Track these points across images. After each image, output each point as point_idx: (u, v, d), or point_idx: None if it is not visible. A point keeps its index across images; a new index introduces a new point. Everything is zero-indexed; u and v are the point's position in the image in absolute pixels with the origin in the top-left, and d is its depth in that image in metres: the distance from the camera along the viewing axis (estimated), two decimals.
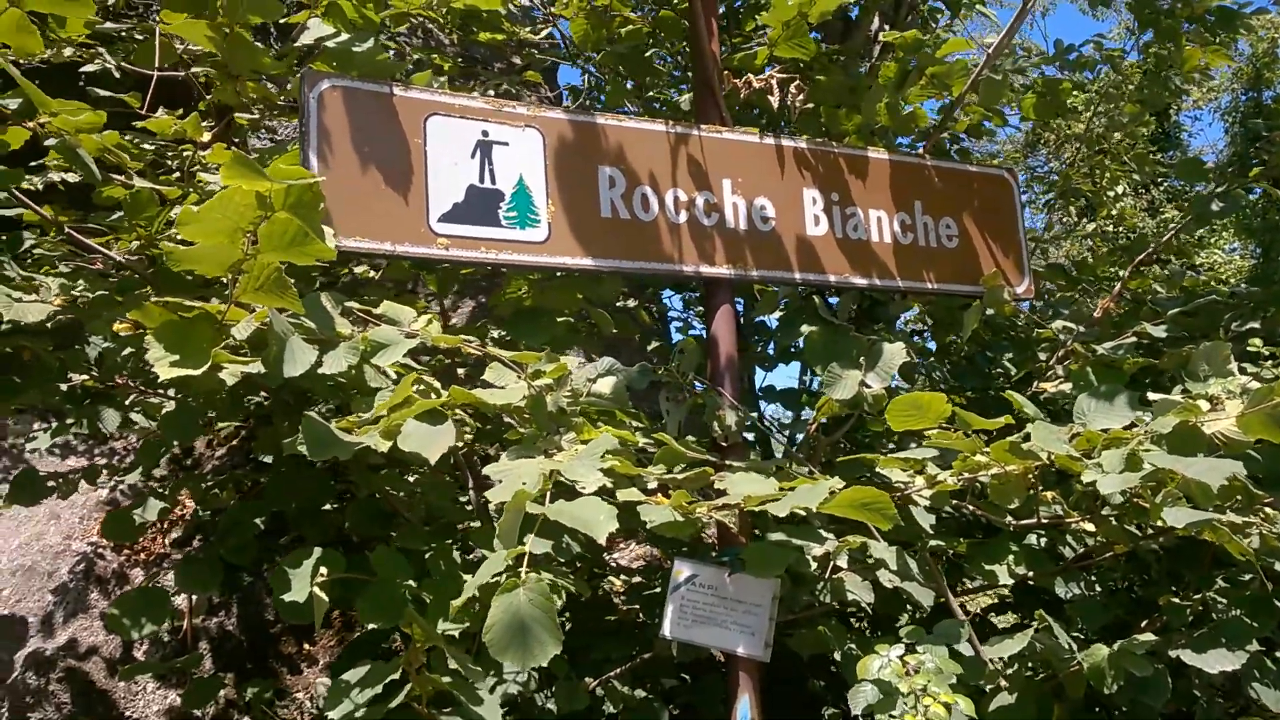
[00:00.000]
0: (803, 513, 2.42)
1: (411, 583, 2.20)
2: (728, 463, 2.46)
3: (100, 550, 4.30)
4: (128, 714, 3.89)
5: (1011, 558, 2.67)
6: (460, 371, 2.96)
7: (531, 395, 2.13)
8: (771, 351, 3.44)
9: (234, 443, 4.67)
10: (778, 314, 3.16)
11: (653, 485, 2.34)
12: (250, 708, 4.08)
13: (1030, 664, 2.33)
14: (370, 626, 2.12)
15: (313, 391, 2.35)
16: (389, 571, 2.20)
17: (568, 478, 1.87)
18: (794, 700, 3.29)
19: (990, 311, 3.09)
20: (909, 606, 2.90)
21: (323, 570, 2.05)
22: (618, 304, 3.63)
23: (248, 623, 4.28)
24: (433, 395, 2.03)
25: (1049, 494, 2.44)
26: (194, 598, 4.04)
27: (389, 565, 2.20)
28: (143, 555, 4.32)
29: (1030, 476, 2.32)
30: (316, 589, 1.99)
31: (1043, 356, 3.32)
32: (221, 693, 4.05)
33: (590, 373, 2.48)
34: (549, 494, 1.84)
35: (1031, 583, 2.74)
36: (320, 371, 1.95)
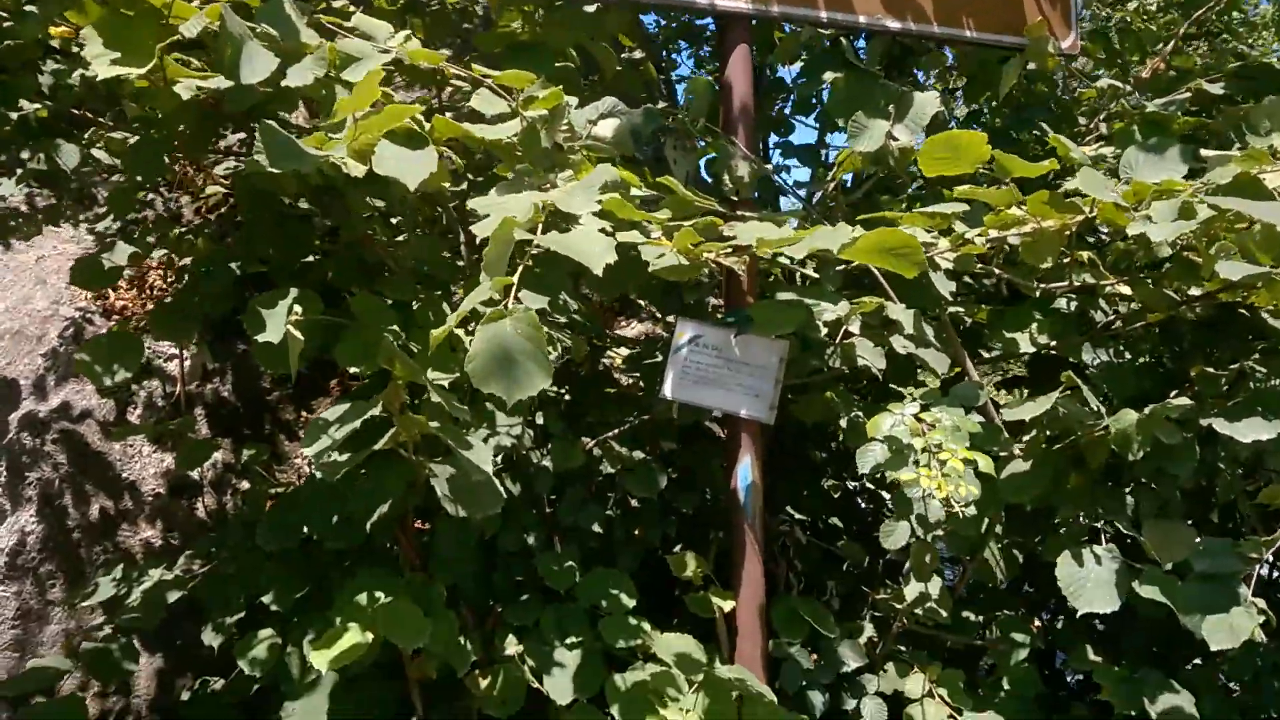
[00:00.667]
0: (817, 259, 2.25)
1: (396, 328, 2.06)
2: (739, 214, 2.27)
3: (89, 315, 4.19)
4: (125, 475, 3.88)
5: (1035, 325, 2.52)
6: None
7: (524, 126, 1.92)
8: (788, 110, 3.17)
9: (223, 210, 4.48)
10: (798, 65, 2.89)
11: (656, 234, 2.17)
12: (247, 471, 4.07)
13: (1050, 430, 2.21)
14: (354, 372, 1.99)
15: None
16: (372, 316, 2.05)
17: (563, 209, 1.69)
18: (793, 470, 3.23)
19: (1032, 66, 2.81)
20: (921, 377, 2.79)
21: (297, 309, 1.89)
22: (623, 55, 3.34)
23: (244, 390, 4.22)
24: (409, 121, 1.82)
25: (1084, 254, 2.26)
26: (186, 363, 3.96)
27: (371, 310, 2.05)
28: (133, 320, 4.21)
29: (1067, 234, 2.14)
30: (291, 328, 1.84)
31: (1082, 122, 3.06)
32: (218, 456, 4.03)
33: (590, 113, 2.25)
34: (541, 226, 1.67)
35: (1054, 352, 2.60)
36: (284, 84, 1.73)
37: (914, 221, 2.32)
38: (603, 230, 1.71)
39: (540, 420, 2.52)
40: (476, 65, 1.91)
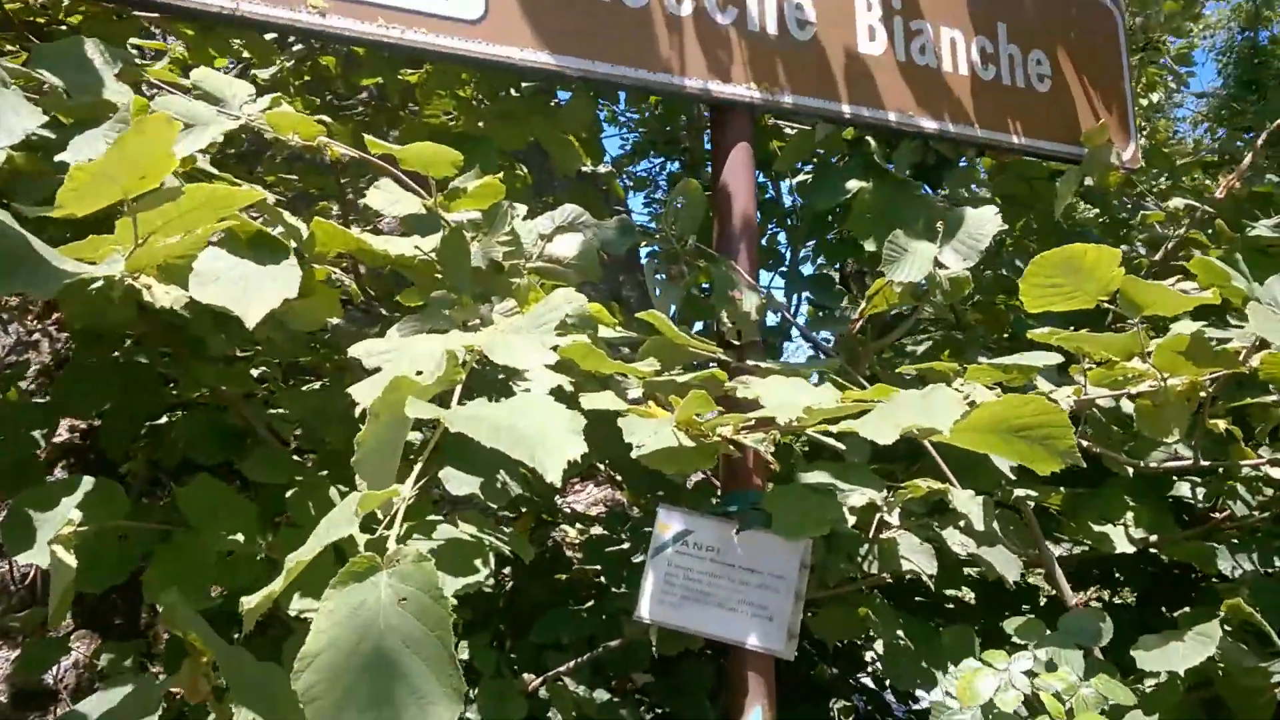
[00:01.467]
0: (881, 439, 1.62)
1: (245, 536, 1.36)
2: (749, 363, 1.64)
3: None
4: None
5: (1131, 514, 1.89)
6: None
7: (446, 234, 1.28)
8: (781, 233, 2.59)
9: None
10: (805, 174, 2.31)
11: (635, 393, 1.51)
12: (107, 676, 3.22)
13: (1189, 678, 1.55)
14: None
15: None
16: (206, 518, 1.35)
17: (498, 360, 1.03)
18: (793, 692, 2.51)
19: (1089, 181, 2.27)
20: (974, 583, 2.13)
21: (75, 515, 1.19)
22: (582, 169, 2.76)
23: None
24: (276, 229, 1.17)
25: (1221, 423, 1.64)
26: None
27: (206, 507, 1.36)
28: None
29: (1202, 393, 1.53)
30: (60, 547, 1.14)
31: (1142, 250, 2.52)
32: (78, 655, 3.20)
33: (544, 224, 1.62)
34: (458, 390, 1.01)
35: (1154, 550, 1.96)
36: (60, 159, 1.08)
37: (981, 377, 1.71)
38: (562, 394, 1.06)
39: (464, 653, 1.80)
40: (375, 139, 1.28)
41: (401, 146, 1.23)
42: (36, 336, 3.44)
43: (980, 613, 2.63)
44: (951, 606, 2.62)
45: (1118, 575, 2.53)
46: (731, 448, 1.23)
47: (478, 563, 1.42)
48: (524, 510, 2.99)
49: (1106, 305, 1.38)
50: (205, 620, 1.21)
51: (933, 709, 1.57)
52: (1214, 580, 2.00)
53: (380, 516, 0.96)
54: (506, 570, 2.57)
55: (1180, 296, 1.31)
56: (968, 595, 2.31)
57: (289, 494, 1.58)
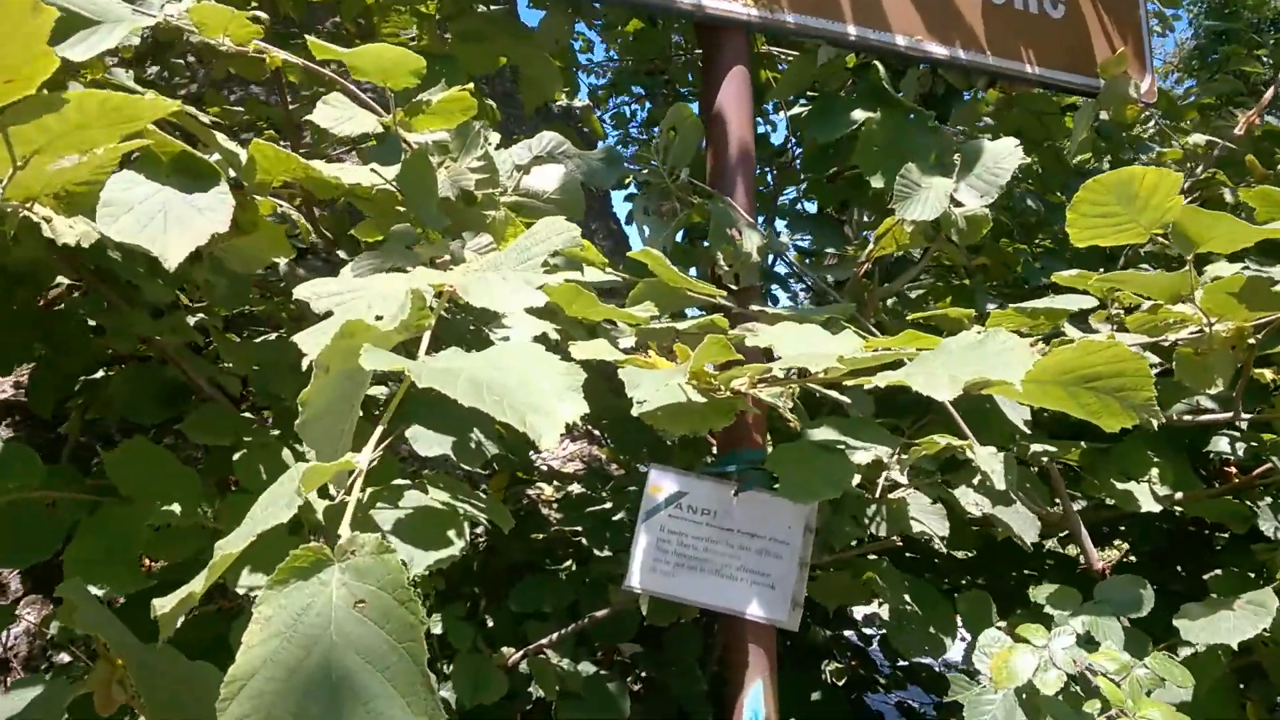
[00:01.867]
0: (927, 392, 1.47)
1: (180, 506, 1.19)
2: (754, 309, 1.48)
3: None
4: None
5: (1156, 471, 1.76)
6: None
7: (409, 158, 1.09)
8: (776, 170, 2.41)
9: None
10: (804, 105, 2.14)
11: (626, 343, 1.35)
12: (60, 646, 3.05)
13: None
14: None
15: None
16: (138, 485, 1.18)
17: (475, 303, 0.86)
18: (788, 655, 2.40)
19: (1104, 115, 2.12)
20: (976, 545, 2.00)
21: None
22: (555, 105, 2.56)
23: None
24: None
25: (1267, 373, 1.51)
26: None
27: (138, 474, 1.18)
28: None
29: (1250, 340, 1.39)
30: None
31: None
32: (26, 623, 3.02)
33: (520, 153, 1.44)
34: (426, 337, 0.84)
35: (1179, 511, 1.83)
36: None
37: (1006, 321, 1.56)
38: (548, 343, 0.89)
39: (437, 626, 1.64)
40: (321, 42, 1.08)
41: (352, 50, 1.04)
42: None
43: (978, 570, 2.52)
44: (937, 562, 2.50)
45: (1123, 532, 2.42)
46: (750, 404, 1.07)
47: (451, 533, 1.26)
48: (497, 469, 2.84)
49: (1161, 239, 1.23)
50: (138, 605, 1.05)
51: (953, 683, 1.44)
52: (1229, 539, 1.88)
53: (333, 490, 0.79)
54: (480, 529, 2.42)
55: (1249, 228, 1.16)
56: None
57: (236, 456, 1.42)
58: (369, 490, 1.33)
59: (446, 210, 1.11)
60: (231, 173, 1.05)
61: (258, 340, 1.75)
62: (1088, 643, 1.26)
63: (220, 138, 1.06)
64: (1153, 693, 1.19)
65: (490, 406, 0.68)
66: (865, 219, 2.11)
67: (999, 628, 1.47)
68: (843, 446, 1.48)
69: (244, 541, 0.62)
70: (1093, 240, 1.22)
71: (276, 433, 1.47)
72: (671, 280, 1.29)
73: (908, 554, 2.33)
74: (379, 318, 0.83)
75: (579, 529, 2.31)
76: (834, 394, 1.79)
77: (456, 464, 1.56)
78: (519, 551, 2.30)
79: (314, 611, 0.57)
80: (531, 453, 3.59)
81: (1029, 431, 1.82)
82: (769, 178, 2.47)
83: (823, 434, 1.51)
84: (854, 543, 1.71)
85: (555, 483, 3.20)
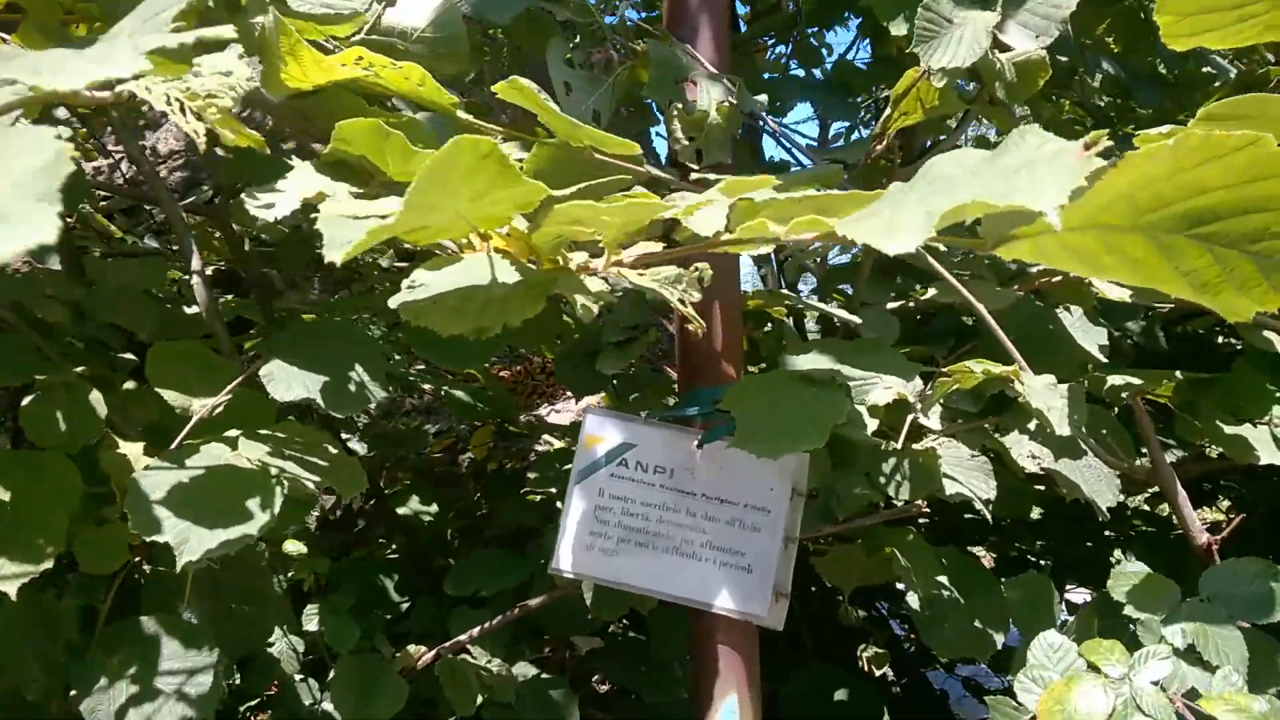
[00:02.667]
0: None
1: None
2: (694, 178, 1.07)
3: None
4: None
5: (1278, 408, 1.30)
6: None
7: None
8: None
9: None
10: None
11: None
12: None
13: None
14: None
15: None
16: None
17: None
18: (818, 638, 1.99)
19: None
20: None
21: None
22: None
23: None
24: None
25: None
26: None
27: None
28: None
29: None
30: None
31: None
32: None
33: None
34: None
35: None
36: None
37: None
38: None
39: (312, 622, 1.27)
40: None
41: None
42: None
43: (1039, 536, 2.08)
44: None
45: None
46: (584, 287, 0.66)
47: (253, 504, 0.89)
48: (483, 422, 2.47)
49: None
50: None
51: (993, 712, 1.03)
52: None
53: None
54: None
55: None
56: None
57: (25, 401, 1.07)
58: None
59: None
60: None
61: None
62: (1191, 659, 0.83)
63: None
64: None
65: None
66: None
67: (1063, 629, 1.05)
68: (835, 378, 1.06)
69: None
70: (1197, 40, 0.78)
71: (82, 369, 1.11)
72: (569, 136, 0.88)
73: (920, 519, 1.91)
74: None
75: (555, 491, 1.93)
76: (843, 313, 1.37)
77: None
78: (512, 513, 1.94)
79: None
80: (542, 408, 3.24)
81: (1105, 360, 1.38)
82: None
83: (809, 361, 1.10)
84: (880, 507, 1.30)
85: (566, 439, 2.84)
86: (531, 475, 1.95)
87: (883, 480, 1.29)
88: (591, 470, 1.18)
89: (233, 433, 1.01)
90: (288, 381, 1.09)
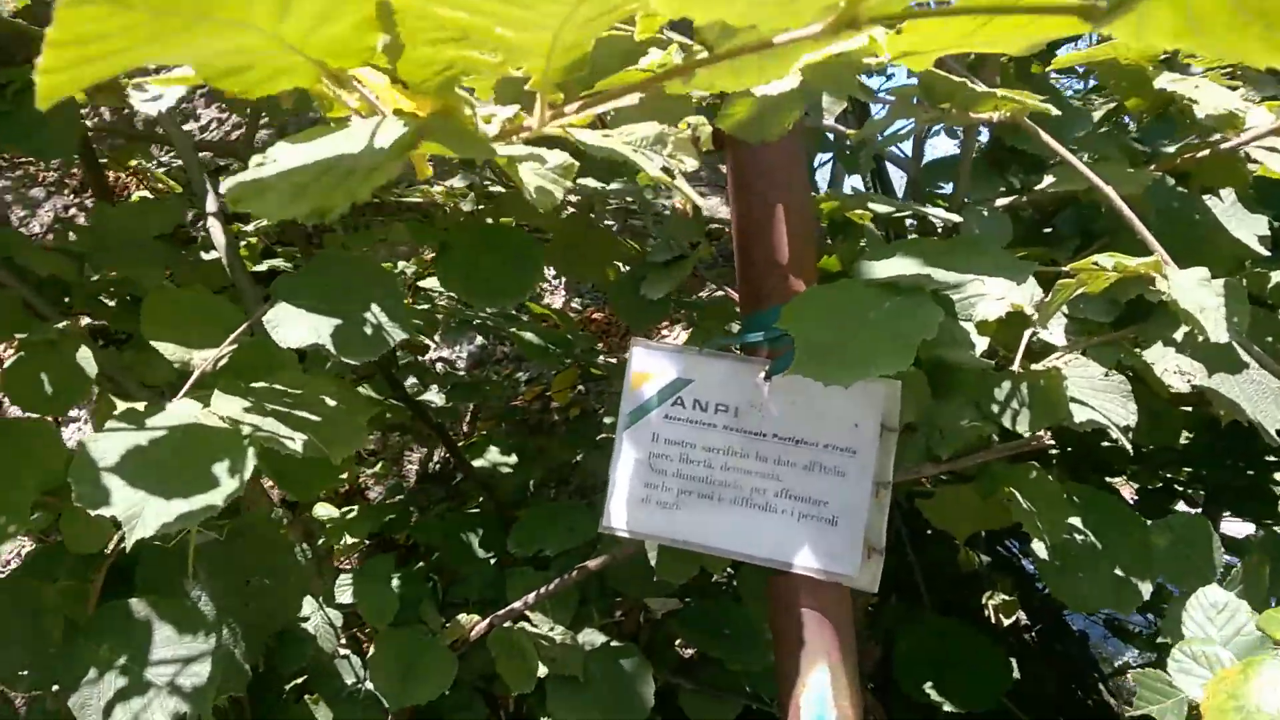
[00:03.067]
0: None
1: None
2: None
3: None
4: None
5: None
6: None
7: None
8: None
9: None
10: None
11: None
12: None
13: None
14: None
15: None
16: None
17: None
18: (936, 586, 1.79)
19: None
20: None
21: None
22: None
23: None
24: None
25: None
26: None
27: None
28: None
29: None
30: None
31: None
32: None
33: None
34: None
35: None
36: None
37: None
38: None
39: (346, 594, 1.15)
40: None
41: None
42: None
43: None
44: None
45: None
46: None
47: (219, 469, 0.76)
48: (567, 364, 2.33)
49: None
50: None
51: (1141, 688, 0.82)
52: None
53: None
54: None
55: None
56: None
57: (10, 361, 0.97)
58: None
59: None
60: None
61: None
62: None
63: None
64: None
65: None
66: None
67: (1226, 580, 0.83)
68: (924, 283, 0.86)
69: None
70: None
71: (63, 325, 1.00)
72: None
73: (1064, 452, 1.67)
74: None
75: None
76: (943, 213, 1.16)
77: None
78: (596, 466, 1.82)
79: None
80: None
81: (1266, 253, 1.13)
82: None
83: (893, 266, 0.90)
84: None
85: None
86: (608, 420, 1.80)
87: (996, 409, 1.09)
88: (642, 413, 1.01)
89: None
90: (294, 326, 0.96)
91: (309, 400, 0.89)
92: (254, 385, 0.87)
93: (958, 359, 1.06)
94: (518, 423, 2.51)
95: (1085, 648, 2.33)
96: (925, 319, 0.80)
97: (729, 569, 1.43)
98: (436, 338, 2.72)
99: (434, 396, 2.00)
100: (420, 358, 2.37)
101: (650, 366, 1.02)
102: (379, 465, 2.51)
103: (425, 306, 2.01)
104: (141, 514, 0.71)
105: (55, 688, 0.84)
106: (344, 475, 2.28)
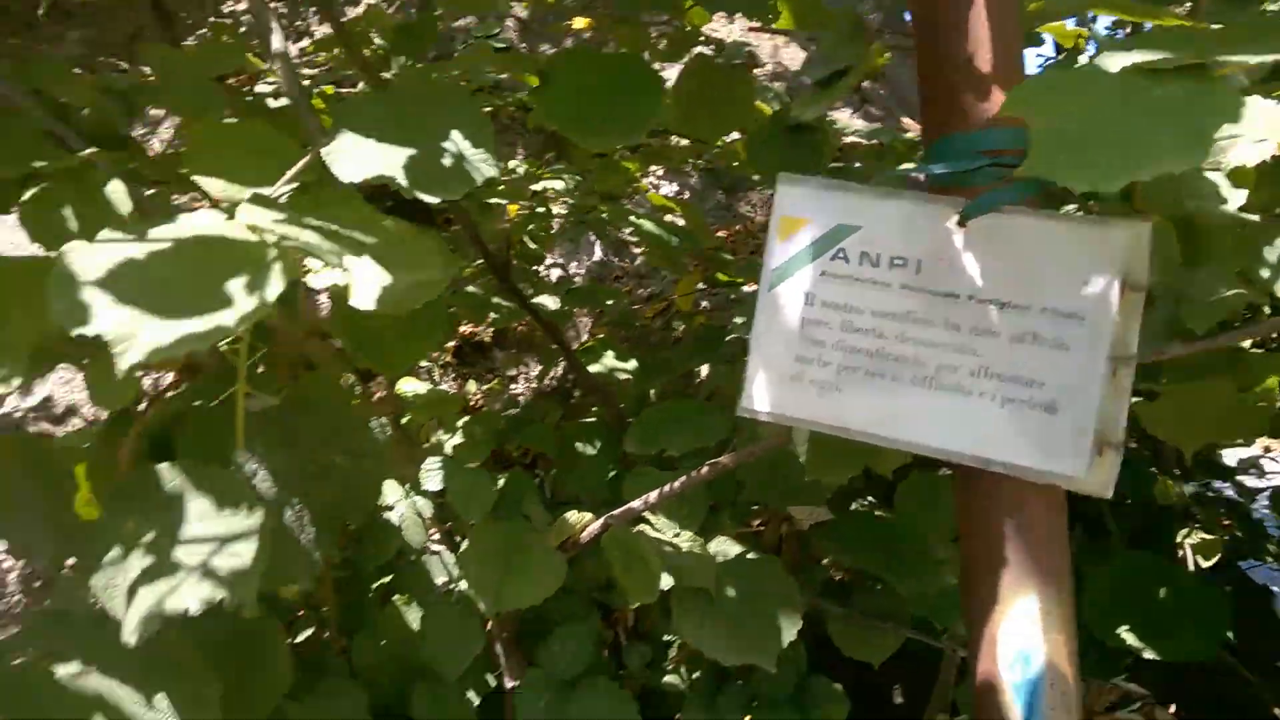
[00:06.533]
0: None
1: None
2: None
3: None
4: None
5: None
6: None
7: None
8: None
9: None
10: None
11: None
12: None
13: None
14: None
15: None
16: None
17: None
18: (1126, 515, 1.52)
19: None
20: None
21: None
22: None
23: None
24: None
25: None
26: None
27: None
28: None
29: None
30: None
31: None
32: None
33: None
34: None
35: None
36: None
37: None
38: None
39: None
40: None
41: None
42: None
43: None
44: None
45: None
46: None
47: (235, 286, 0.61)
48: (690, 269, 2.12)
49: None
50: None
51: None
52: None
53: None
54: None
55: None
56: None
57: (25, 197, 0.82)
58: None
59: None
60: None
61: None
62: None
63: None
64: None
65: None
66: None
67: None
68: (1210, 64, 0.60)
69: None
70: None
71: (92, 151, 0.84)
72: None
73: None
74: None
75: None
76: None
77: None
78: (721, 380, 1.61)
79: None
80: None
81: None
82: None
83: (1143, 55, 0.64)
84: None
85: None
86: (738, 320, 1.58)
87: (1266, 276, 0.82)
88: (793, 268, 0.79)
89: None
90: (358, 158, 0.78)
91: (367, 224, 0.70)
92: (311, 212, 0.69)
93: (1209, 214, 0.81)
94: (638, 336, 2.32)
95: (1267, 601, 2.02)
96: (1222, 103, 0.55)
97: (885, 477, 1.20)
98: (555, 253, 2.54)
99: (548, 300, 1.83)
100: (535, 268, 2.20)
101: (803, 209, 0.79)
102: (494, 381, 2.37)
103: (541, 209, 1.82)
104: (135, 335, 0.53)
105: (69, 562, 0.69)
106: (442, 353, 2.14)
